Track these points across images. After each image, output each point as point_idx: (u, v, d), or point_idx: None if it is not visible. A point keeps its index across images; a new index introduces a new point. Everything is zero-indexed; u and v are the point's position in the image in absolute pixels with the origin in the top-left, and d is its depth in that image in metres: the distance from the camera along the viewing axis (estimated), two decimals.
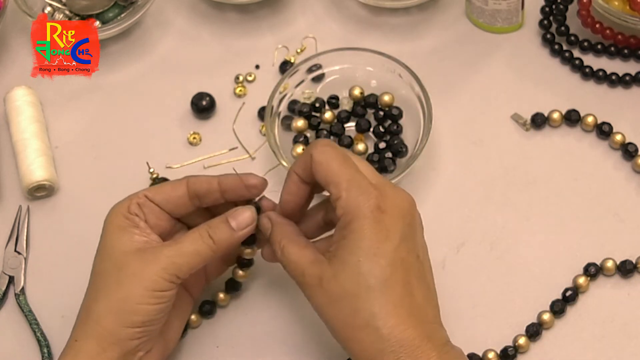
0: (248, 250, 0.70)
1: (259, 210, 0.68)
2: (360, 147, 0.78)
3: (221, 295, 0.73)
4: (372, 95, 0.80)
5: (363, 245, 0.61)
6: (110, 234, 0.66)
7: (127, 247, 0.65)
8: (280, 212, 0.68)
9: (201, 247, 0.65)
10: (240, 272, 0.72)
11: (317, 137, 0.79)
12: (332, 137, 0.79)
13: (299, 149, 0.77)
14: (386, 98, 0.79)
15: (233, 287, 0.73)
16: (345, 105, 0.81)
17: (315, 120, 0.79)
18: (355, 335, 0.61)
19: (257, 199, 0.69)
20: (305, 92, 0.81)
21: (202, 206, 0.69)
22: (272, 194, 0.77)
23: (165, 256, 0.64)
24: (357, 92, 0.80)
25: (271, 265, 0.74)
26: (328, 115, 0.79)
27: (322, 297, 0.62)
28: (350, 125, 0.80)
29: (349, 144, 0.78)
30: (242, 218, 0.66)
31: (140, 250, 0.64)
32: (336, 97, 0.81)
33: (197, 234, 0.65)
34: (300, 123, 0.79)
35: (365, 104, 0.80)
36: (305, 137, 0.79)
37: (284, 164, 0.76)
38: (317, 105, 0.80)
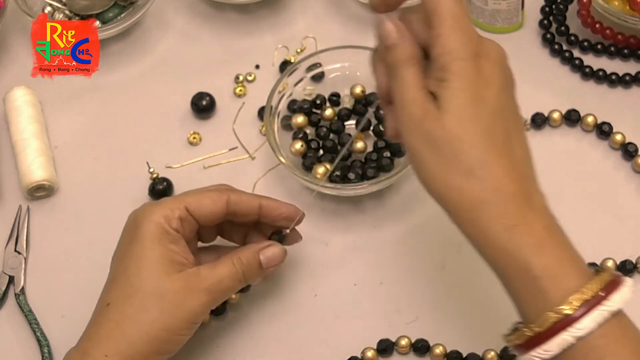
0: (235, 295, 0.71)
1: (283, 239, 0.69)
2: (360, 145, 0.78)
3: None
4: (373, 94, 0.80)
5: (465, 89, 0.56)
6: (148, 249, 0.64)
7: (168, 269, 0.64)
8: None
9: (235, 284, 0.66)
10: (233, 295, 0.72)
11: (317, 134, 0.79)
12: (331, 135, 0.79)
13: (298, 145, 0.77)
14: None
15: (218, 311, 0.72)
16: (347, 103, 0.81)
17: (315, 116, 0.80)
18: (455, 183, 0.56)
19: (286, 230, 0.69)
20: (307, 89, 0.81)
21: (233, 220, 0.69)
22: (275, 193, 0.78)
23: (207, 291, 0.64)
24: (358, 90, 0.80)
25: None
26: (329, 112, 0.79)
27: (422, 136, 0.56)
28: (351, 124, 0.80)
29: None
30: (273, 256, 0.67)
31: (182, 279, 0.64)
32: (337, 95, 0.81)
33: (233, 269, 0.66)
34: (300, 119, 0.79)
35: (366, 102, 0.80)
36: (305, 133, 0.79)
37: (282, 160, 0.76)
38: (317, 102, 0.80)
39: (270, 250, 0.68)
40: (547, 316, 0.53)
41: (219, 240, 0.73)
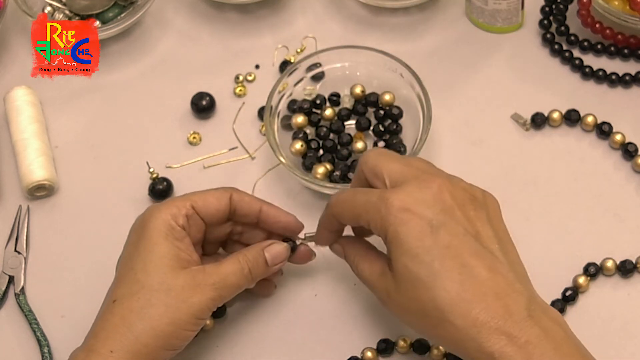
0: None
1: (294, 249, 0.70)
2: (360, 145, 0.78)
3: (207, 322, 0.71)
4: (373, 93, 0.80)
5: (403, 251, 0.60)
6: (154, 244, 0.65)
7: (174, 265, 0.64)
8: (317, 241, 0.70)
9: (242, 281, 0.66)
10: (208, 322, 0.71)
11: (317, 134, 0.79)
12: (331, 135, 0.79)
13: (298, 144, 0.77)
14: (387, 97, 0.79)
15: (218, 313, 0.71)
16: (346, 103, 0.81)
17: (315, 116, 0.80)
18: (436, 333, 0.61)
19: (297, 242, 0.70)
20: (307, 89, 0.81)
21: (234, 220, 0.70)
22: (275, 192, 0.77)
23: (214, 287, 0.64)
24: (358, 90, 0.80)
25: None
26: (329, 112, 0.79)
27: (394, 307, 0.63)
28: (351, 123, 0.80)
29: (348, 142, 0.78)
30: (277, 253, 0.68)
31: (188, 274, 0.64)
32: (337, 95, 0.81)
33: (238, 266, 0.66)
34: (300, 119, 0.79)
35: (366, 102, 0.80)
36: (305, 133, 0.79)
37: (282, 160, 0.76)
38: (317, 102, 0.80)
39: (274, 248, 0.68)
40: None
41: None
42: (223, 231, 0.70)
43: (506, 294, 0.59)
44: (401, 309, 0.62)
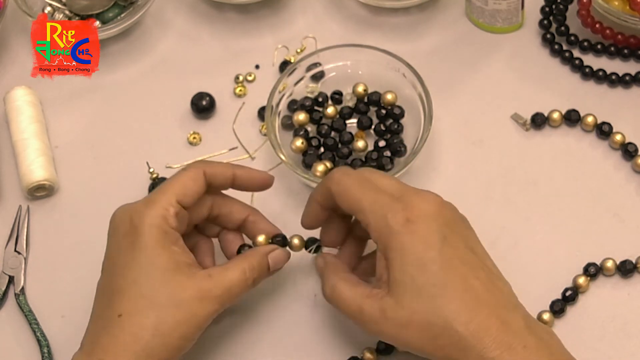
0: None
1: (287, 244, 0.70)
2: (360, 144, 0.78)
3: None
4: (375, 93, 0.80)
5: (409, 261, 0.61)
6: (154, 256, 0.64)
7: (177, 275, 0.64)
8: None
9: (244, 291, 0.67)
10: None
11: (318, 131, 0.79)
12: (332, 133, 0.79)
13: (299, 142, 0.78)
14: (389, 97, 0.79)
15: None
16: (348, 101, 0.81)
17: (317, 114, 0.80)
18: (436, 344, 0.60)
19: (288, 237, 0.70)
20: (309, 86, 0.81)
21: (209, 193, 0.69)
22: (275, 191, 0.77)
23: (220, 299, 0.64)
24: (360, 89, 0.80)
25: None
26: (330, 110, 0.79)
27: (391, 327, 0.62)
28: (352, 122, 0.80)
29: (349, 140, 0.78)
30: (278, 258, 0.69)
31: (194, 286, 0.64)
32: (340, 93, 0.81)
33: (243, 276, 0.66)
34: (301, 116, 0.79)
35: (369, 101, 0.80)
36: (306, 130, 0.79)
37: (283, 158, 0.76)
38: (319, 99, 0.80)
39: (276, 253, 0.69)
40: None
41: None
42: (202, 216, 0.70)
43: (504, 307, 0.61)
44: (399, 325, 0.61)
